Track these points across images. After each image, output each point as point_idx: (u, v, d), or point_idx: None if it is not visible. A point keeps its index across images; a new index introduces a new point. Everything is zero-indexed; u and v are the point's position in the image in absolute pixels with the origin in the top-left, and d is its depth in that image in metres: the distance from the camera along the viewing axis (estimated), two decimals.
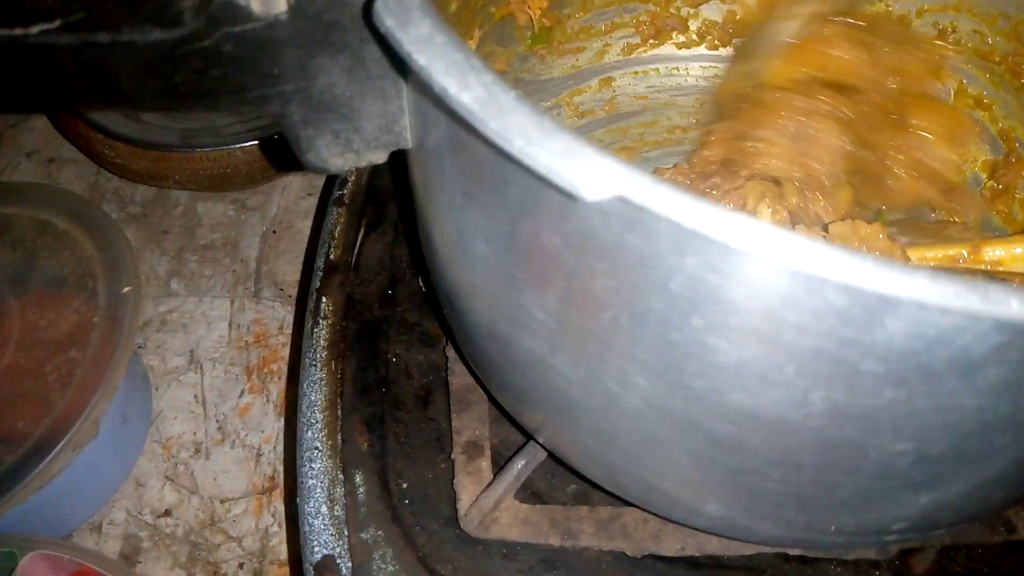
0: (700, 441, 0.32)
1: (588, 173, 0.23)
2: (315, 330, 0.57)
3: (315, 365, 0.55)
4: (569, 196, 0.23)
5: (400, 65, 0.26)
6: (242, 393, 0.82)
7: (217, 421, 0.80)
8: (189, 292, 0.89)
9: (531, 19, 0.59)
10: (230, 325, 0.87)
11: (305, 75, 0.34)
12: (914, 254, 0.51)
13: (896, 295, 0.21)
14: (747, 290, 0.24)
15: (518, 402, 0.43)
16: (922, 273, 0.21)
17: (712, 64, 0.68)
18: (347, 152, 0.38)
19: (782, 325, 0.25)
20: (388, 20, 0.27)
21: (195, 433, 0.80)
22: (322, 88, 0.35)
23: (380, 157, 0.39)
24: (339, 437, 0.52)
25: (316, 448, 0.51)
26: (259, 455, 0.78)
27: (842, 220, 0.50)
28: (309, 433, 0.52)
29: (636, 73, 0.68)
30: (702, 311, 0.26)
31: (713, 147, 0.60)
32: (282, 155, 0.89)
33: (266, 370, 0.83)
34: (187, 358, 0.84)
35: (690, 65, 0.68)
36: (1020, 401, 0.26)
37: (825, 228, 0.51)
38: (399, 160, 0.40)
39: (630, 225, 0.25)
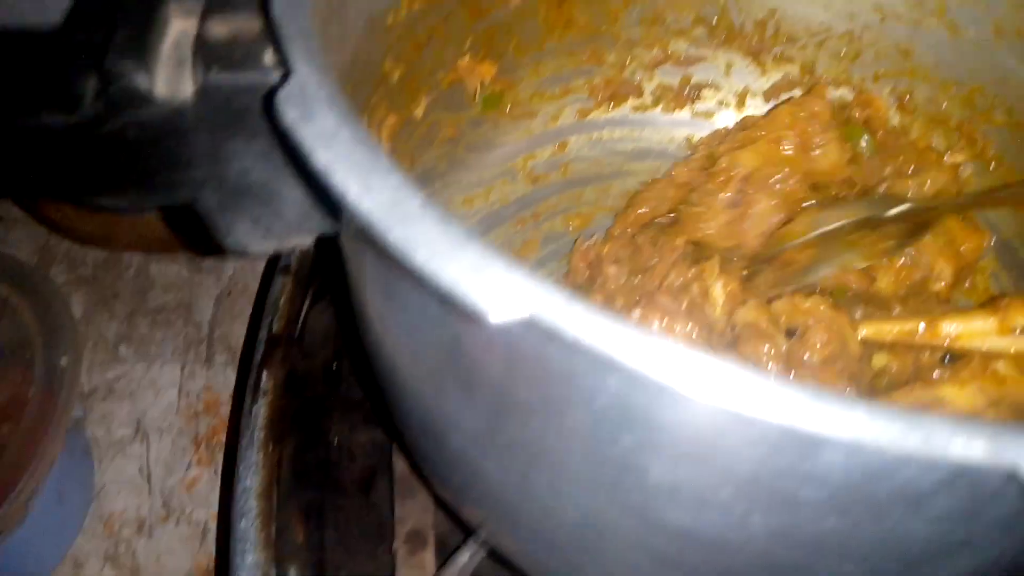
0: (642, 555, 0.30)
1: (495, 293, 0.21)
2: (254, 408, 0.54)
3: (252, 447, 0.52)
4: (475, 316, 0.21)
5: (300, 163, 0.24)
6: (189, 465, 0.78)
7: (162, 496, 0.77)
8: (138, 358, 0.86)
9: (480, 86, 0.58)
10: (179, 392, 0.83)
11: (217, 160, 0.32)
12: (869, 328, 0.49)
13: (828, 436, 0.18)
14: (674, 414, 0.22)
15: (457, 498, 0.40)
16: (858, 409, 0.19)
17: (667, 127, 0.67)
18: (269, 237, 0.36)
19: (714, 449, 0.23)
20: (290, 113, 0.25)
21: (139, 509, 0.76)
22: (237, 174, 0.33)
23: (305, 241, 0.36)
24: (274, 527, 0.48)
25: (249, 539, 0.48)
26: (205, 532, 0.74)
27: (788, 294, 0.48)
28: (243, 522, 0.49)
29: (591, 137, 0.67)
30: (630, 430, 0.24)
31: (643, 204, 0.59)
32: None
33: (215, 440, 0.80)
34: (133, 428, 0.81)
35: (645, 128, 0.67)
36: (973, 526, 0.24)
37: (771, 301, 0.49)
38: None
39: (549, 339, 0.23)
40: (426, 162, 0.58)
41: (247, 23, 0.32)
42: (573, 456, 0.27)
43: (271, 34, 0.28)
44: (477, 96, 0.59)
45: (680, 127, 0.67)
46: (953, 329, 0.47)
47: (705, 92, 0.66)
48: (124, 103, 0.30)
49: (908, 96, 0.59)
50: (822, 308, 0.47)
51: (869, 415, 0.19)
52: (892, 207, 0.50)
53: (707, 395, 0.20)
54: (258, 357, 0.57)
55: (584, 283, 0.56)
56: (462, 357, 0.28)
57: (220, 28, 0.32)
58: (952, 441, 0.18)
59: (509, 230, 0.62)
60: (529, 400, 0.27)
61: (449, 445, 0.34)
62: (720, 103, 0.66)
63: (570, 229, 0.63)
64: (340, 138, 0.24)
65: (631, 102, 0.66)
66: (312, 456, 0.52)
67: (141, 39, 0.30)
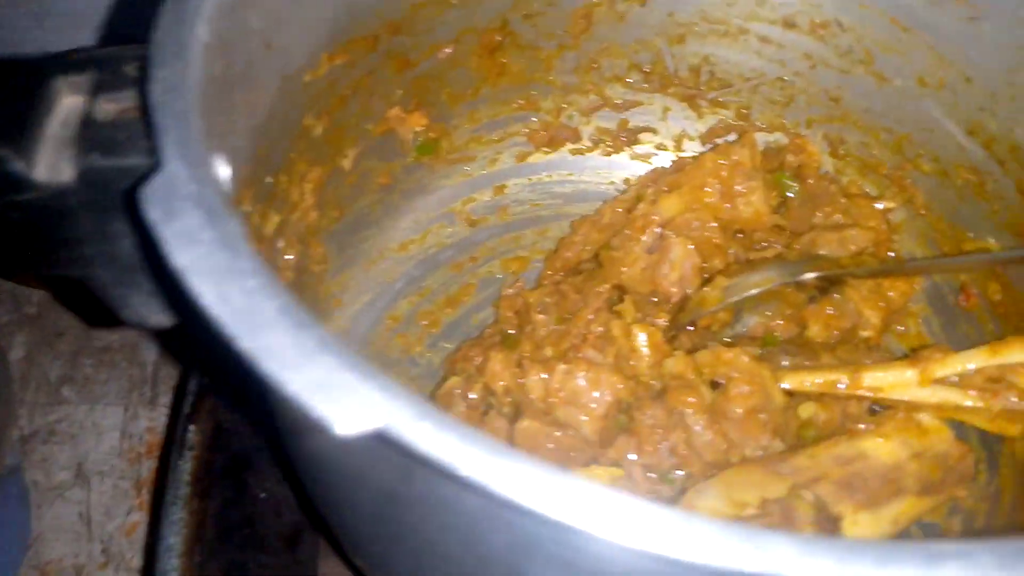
0: None
1: (342, 406, 0.20)
2: (179, 463, 0.53)
3: (176, 503, 0.51)
4: (322, 427, 0.21)
5: (158, 259, 0.24)
6: (130, 510, 0.77)
7: (102, 542, 0.75)
8: (81, 399, 0.84)
9: (413, 134, 0.57)
10: (122, 435, 0.82)
11: (105, 239, 0.31)
12: (793, 379, 0.49)
13: (678, 560, 0.18)
14: (533, 525, 0.22)
15: (367, 569, 0.40)
16: (711, 531, 0.19)
17: (606, 170, 0.67)
18: (168, 309, 0.35)
19: (578, 555, 0.23)
20: (152, 211, 0.24)
21: (77, 556, 0.74)
22: (127, 251, 0.32)
23: None
24: None
25: None
26: None
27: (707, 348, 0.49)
28: None
29: (529, 180, 0.66)
30: (499, 532, 0.24)
31: (570, 248, 0.59)
32: None
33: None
34: (74, 472, 0.79)
35: (584, 171, 0.67)
36: None
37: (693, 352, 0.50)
38: None
39: (403, 451, 0.22)
40: (358, 210, 0.57)
41: (138, 101, 0.32)
42: (455, 549, 0.27)
43: (146, 122, 0.28)
44: (411, 144, 0.58)
45: (619, 169, 0.67)
46: (875, 381, 0.47)
47: (643, 135, 0.66)
48: (4, 188, 0.29)
49: (840, 142, 0.60)
50: (744, 360, 0.47)
51: (720, 531, 0.19)
52: (805, 271, 0.50)
53: (559, 514, 0.20)
54: (186, 409, 0.56)
55: (515, 330, 0.56)
56: (346, 448, 0.28)
57: (109, 106, 0.32)
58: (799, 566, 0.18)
59: (445, 274, 0.62)
60: (407, 494, 0.26)
61: (349, 522, 0.34)
62: (658, 146, 0.66)
63: (508, 273, 0.63)
64: (202, 239, 0.24)
65: (569, 146, 0.66)
66: (238, 512, 0.51)
67: (23, 121, 0.30)
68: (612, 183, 0.67)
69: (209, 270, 0.23)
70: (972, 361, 0.46)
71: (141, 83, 0.32)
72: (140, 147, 0.30)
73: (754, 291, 0.50)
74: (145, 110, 0.31)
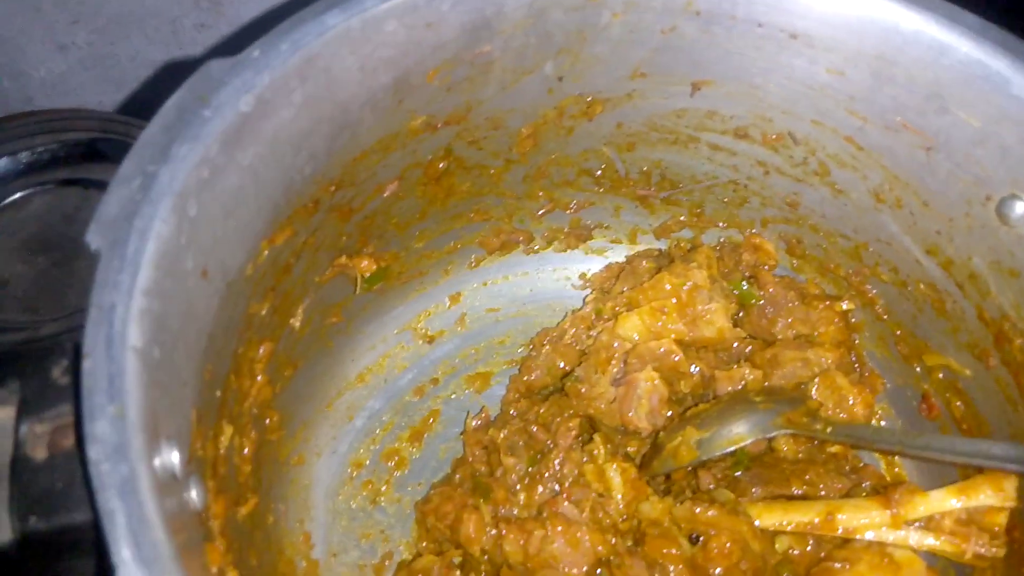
0: None
1: None
2: None
3: None
4: None
5: None
6: None
7: None
8: None
9: (360, 277, 0.55)
10: None
11: None
12: (768, 519, 0.49)
13: None
14: None
15: None
16: None
17: (561, 266, 0.65)
18: None
19: None
20: None
21: None
22: None
23: None
24: None
25: None
26: None
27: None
28: None
29: (485, 284, 0.65)
30: None
31: (533, 371, 0.58)
32: None
33: None
34: None
35: (540, 270, 0.65)
36: None
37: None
38: None
39: None
40: (311, 357, 0.55)
41: (70, 417, 0.30)
42: None
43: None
44: (359, 281, 0.56)
45: (574, 264, 0.65)
46: (848, 522, 0.48)
47: (596, 232, 0.64)
48: None
49: (797, 242, 0.59)
50: (722, 517, 0.47)
51: None
52: (776, 428, 0.50)
53: None
54: None
55: (484, 471, 0.55)
56: None
57: (40, 429, 0.29)
58: None
59: (408, 402, 0.60)
60: None
61: None
62: (612, 240, 0.65)
63: (471, 391, 0.61)
64: None
65: (522, 246, 0.64)
66: None
67: None
68: (568, 279, 0.65)
69: None
70: (943, 504, 0.46)
71: (69, 391, 0.30)
72: (79, 499, 0.28)
73: (728, 448, 0.49)
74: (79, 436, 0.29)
